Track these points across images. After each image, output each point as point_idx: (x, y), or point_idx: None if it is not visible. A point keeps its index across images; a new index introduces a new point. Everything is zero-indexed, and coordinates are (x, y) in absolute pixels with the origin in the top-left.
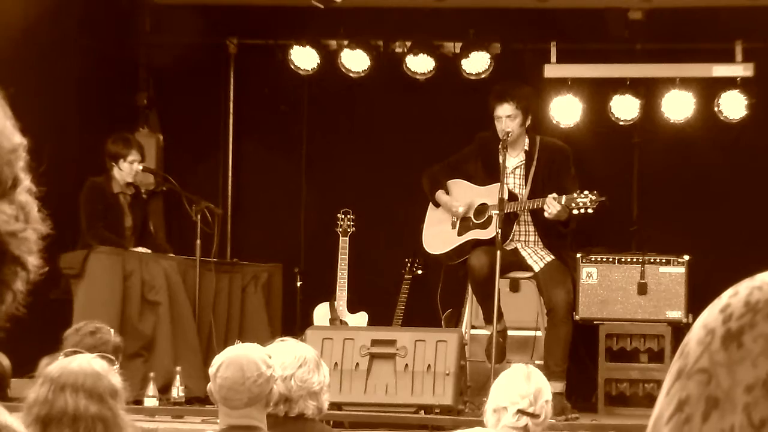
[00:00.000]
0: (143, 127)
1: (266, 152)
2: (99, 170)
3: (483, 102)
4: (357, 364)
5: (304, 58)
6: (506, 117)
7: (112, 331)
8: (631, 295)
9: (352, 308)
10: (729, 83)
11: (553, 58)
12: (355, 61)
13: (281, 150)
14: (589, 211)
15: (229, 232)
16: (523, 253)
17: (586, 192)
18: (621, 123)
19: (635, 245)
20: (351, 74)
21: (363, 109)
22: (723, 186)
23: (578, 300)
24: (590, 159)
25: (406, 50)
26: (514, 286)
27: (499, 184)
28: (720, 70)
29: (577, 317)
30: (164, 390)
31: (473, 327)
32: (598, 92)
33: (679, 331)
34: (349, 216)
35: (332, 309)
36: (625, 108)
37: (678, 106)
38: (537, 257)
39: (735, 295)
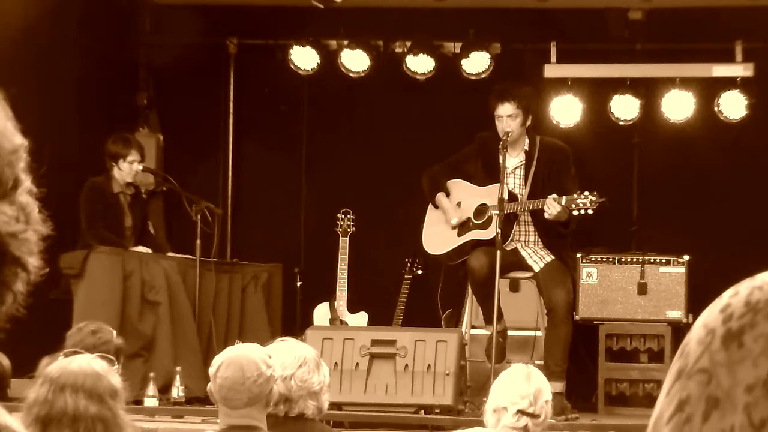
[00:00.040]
0: (143, 127)
1: (266, 152)
2: (99, 170)
3: (483, 102)
4: (357, 364)
5: (304, 58)
6: (507, 116)
7: (114, 332)
8: (631, 295)
9: (352, 308)
10: (729, 83)
11: (553, 58)
12: (355, 61)
13: (281, 150)
14: (589, 212)
15: (229, 232)
16: (523, 253)
17: (586, 193)
18: (621, 123)
19: (635, 245)
20: (351, 74)
21: (363, 109)
22: (723, 186)
23: (578, 300)
24: (590, 159)
25: (406, 50)
26: (514, 286)
27: (499, 184)
28: (720, 70)
29: (577, 317)
30: (164, 390)
31: (473, 327)
32: (598, 92)
33: (679, 331)
34: (349, 216)
35: (332, 309)
36: (625, 108)
37: (678, 106)
38: (537, 257)
39: (735, 295)
